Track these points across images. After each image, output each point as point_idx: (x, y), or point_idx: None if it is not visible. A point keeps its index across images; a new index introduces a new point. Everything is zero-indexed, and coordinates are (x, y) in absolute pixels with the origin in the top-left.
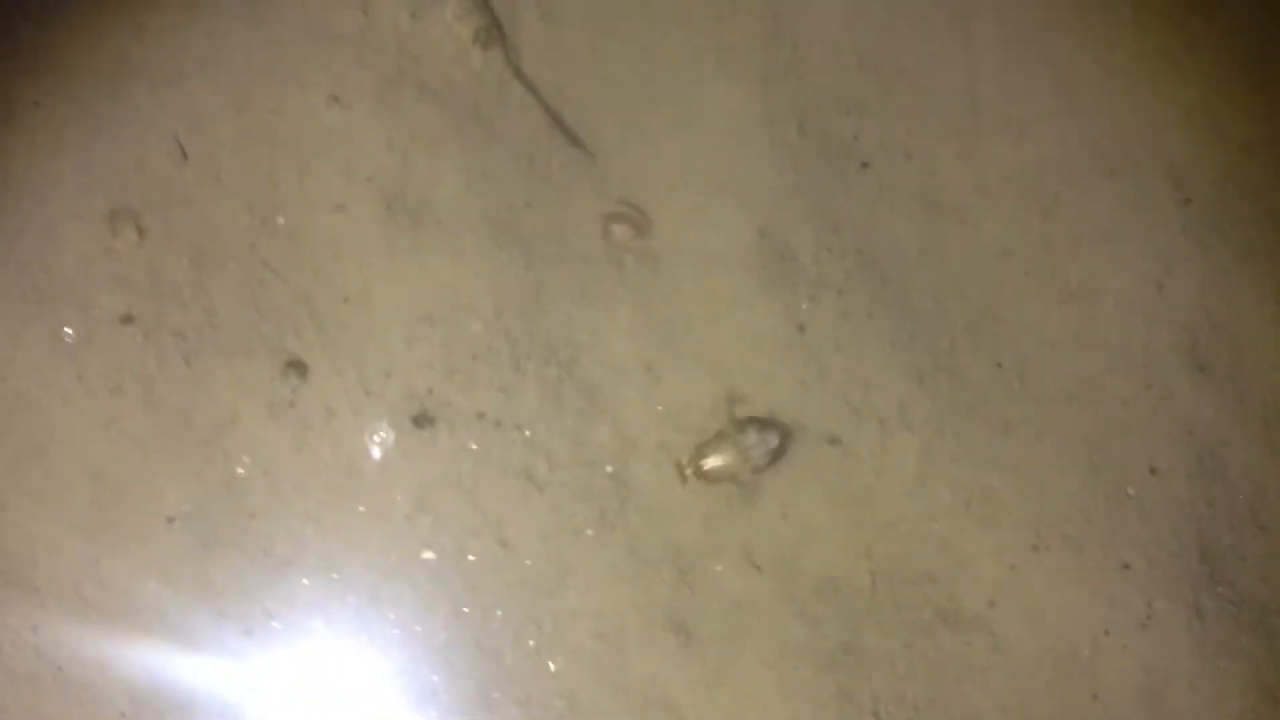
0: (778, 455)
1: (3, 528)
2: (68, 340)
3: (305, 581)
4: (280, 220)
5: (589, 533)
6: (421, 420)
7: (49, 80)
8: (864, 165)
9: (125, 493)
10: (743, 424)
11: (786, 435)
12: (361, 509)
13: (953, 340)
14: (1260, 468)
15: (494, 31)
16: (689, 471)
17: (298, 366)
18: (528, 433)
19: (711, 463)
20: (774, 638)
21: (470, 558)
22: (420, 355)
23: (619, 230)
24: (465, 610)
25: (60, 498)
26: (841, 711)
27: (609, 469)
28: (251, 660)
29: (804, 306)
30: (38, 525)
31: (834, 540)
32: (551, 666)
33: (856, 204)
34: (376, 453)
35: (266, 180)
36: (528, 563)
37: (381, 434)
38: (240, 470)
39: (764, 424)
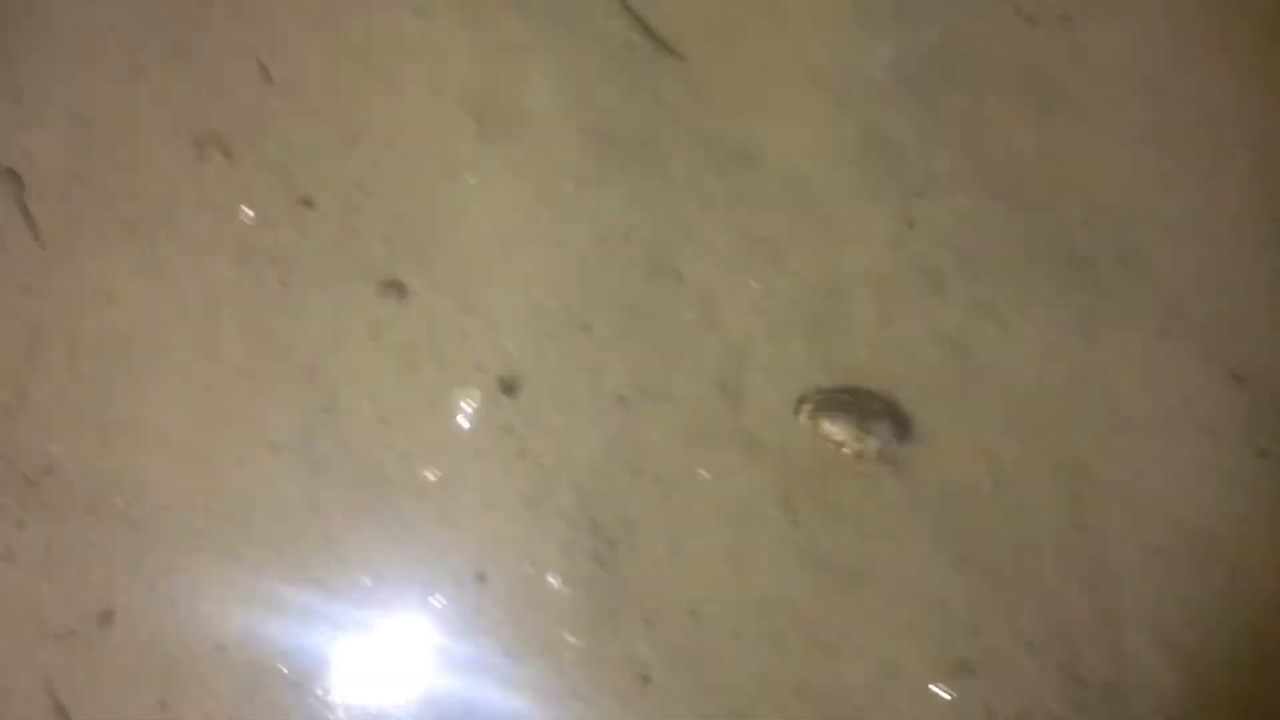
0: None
1: (106, 461)
2: (161, 268)
3: (412, 506)
4: (369, 138)
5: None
6: (529, 339)
7: (123, 4)
8: (968, 56)
9: (229, 421)
10: (878, 412)
11: (905, 431)
12: (468, 436)
13: (1068, 232)
14: None
15: None
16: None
17: (396, 286)
18: (635, 344)
19: (829, 427)
20: None
21: (575, 487)
22: (522, 269)
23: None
24: (571, 531)
25: (162, 429)
26: None
27: (722, 382)
28: (361, 582)
29: (912, 202)
30: (141, 458)
31: (959, 450)
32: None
33: (962, 96)
34: (477, 400)
35: (353, 98)
36: (641, 482)
37: (483, 380)
38: (343, 394)
39: (898, 421)
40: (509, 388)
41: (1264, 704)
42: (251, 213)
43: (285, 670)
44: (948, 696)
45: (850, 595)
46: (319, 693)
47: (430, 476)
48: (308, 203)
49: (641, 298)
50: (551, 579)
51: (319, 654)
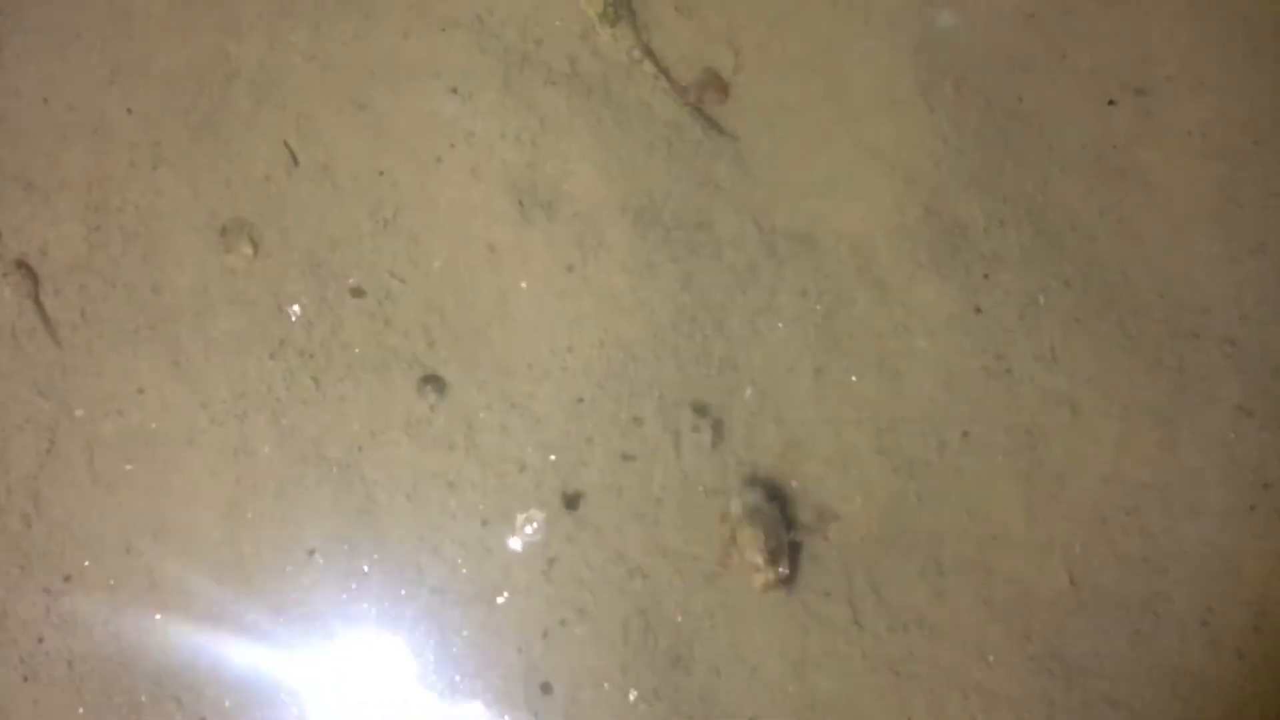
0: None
1: (132, 572)
2: (186, 365)
3: (458, 612)
4: (404, 223)
5: None
6: (576, 436)
7: (141, 85)
8: (1036, 130)
9: (261, 525)
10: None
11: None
12: (516, 546)
13: (1145, 311)
14: None
15: (622, 7)
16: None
17: (434, 381)
18: (685, 440)
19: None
20: None
21: (632, 592)
22: (568, 360)
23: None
24: (633, 640)
25: (190, 534)
26: None
27: (794, 483)
28: (413, 697)
29: (979, 285)
30: (167, 566)
31: (1027, 544)
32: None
33: (1027, 171)
34: (528, 508)
35: (386, 182)
36: (703, 584)
37: (527, 481)
38: (380, 495)
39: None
40: (569, 501)
41: None
42: (298, 309)
43: None
44: None
45: (920, 698)
46: None
47: (477, 583)
48: (339, 293)
49: (696, 388)
50: (617, 689)
51: None
